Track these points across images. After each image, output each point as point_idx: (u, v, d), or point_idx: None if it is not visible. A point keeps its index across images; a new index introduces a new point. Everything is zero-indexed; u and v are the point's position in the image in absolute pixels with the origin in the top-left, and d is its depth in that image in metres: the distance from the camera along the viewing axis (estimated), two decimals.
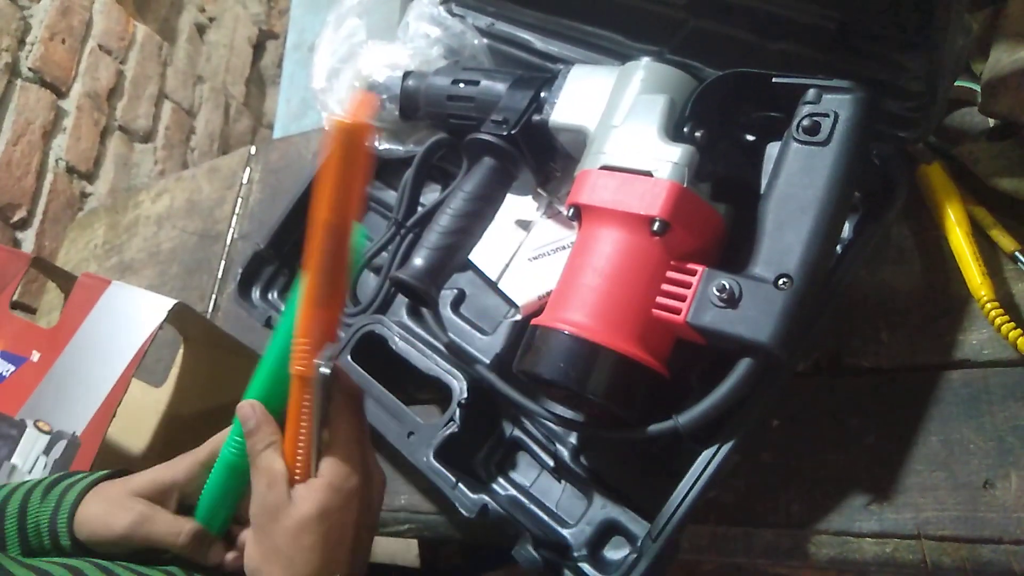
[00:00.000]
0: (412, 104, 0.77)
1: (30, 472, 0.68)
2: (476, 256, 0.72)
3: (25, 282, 1.28)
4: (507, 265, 0.71)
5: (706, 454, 0.53)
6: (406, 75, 0.77)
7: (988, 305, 0.55)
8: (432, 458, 0.64)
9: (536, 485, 0.65)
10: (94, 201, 1.48)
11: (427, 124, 0.79)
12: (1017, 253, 0.57)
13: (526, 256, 0.71)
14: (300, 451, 0.48)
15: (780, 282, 0.50)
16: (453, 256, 0.63)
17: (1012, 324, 0.54)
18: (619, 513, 0.60)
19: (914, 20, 0.51)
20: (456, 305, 0.74)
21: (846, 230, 0.60)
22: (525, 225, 0.73)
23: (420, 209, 0.78)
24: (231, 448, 0.51)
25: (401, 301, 0.76)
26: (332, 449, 0.48)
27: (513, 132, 0.64)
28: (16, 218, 1.32)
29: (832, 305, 0.56)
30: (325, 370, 0.47)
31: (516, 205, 0.73)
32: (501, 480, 0.66)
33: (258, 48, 2.12)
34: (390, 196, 0.83)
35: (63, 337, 0.72)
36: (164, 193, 1.19)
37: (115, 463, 0.60)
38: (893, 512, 0.55)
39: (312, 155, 1.01)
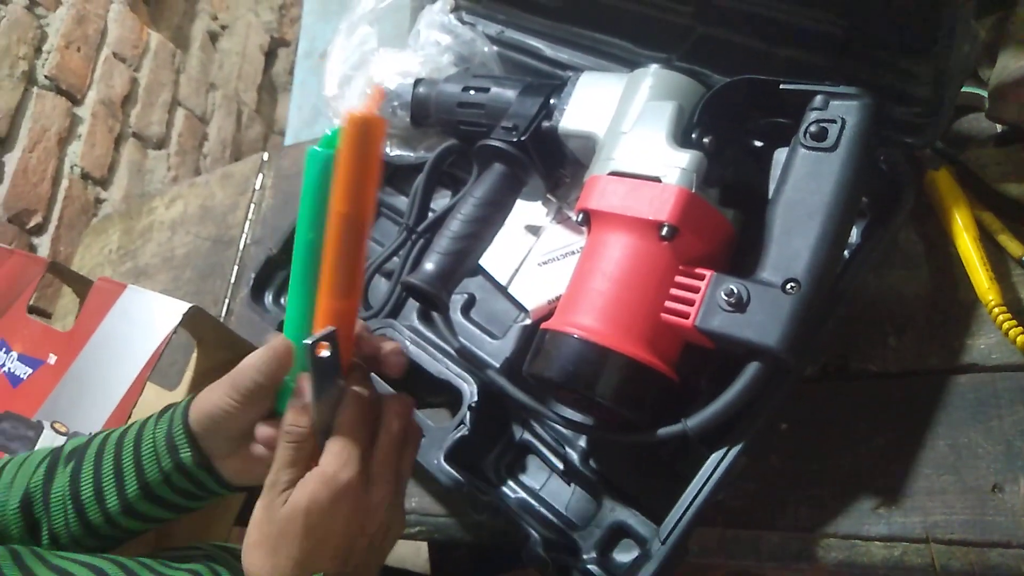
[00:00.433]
0: (423, 111, 0.77)
1: None
2: (486, 261, 0.73)
3: (41, 287, 1.29)
4: (517, 270, 0.72)
5: (714, 457, 0.54)
6: (417, 82, 0.78)
7: (996, 310, 0.55)
8: (443, 461, 0.64)
9: (546, 488, 0.66)
10: (108, 207, 1.50)
11: (438, 131, 0.80)
12: None
13: (536, 261, 0.72)
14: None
15: (788, 287, 0.51)
16: (464, 261, 0.64)
17: (1020, 328, 0.54)
18: (628, 516, 0.60)
19: (920, 27, 0.52)
20: (466, 309, 0.75)
21: (854, 235, 0.60)
22: (535, 230, 0.73)
23: (431, 215, 0.78)
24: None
25: (412, 305, 0.77)
26: (331, 441, 0.47)
27: (523, 138, 0.65)
28: (32, 224, 1.34)
29: (840, 310, 0.56)
30: (325, 352, 0.46)
31: (526, 210, 0.73)
32: (511, 483, 0.66)
33: (270, 56, 2.14)
34: (401, 202, 0.84)
35: (79, 340, 0.73)
36: (178, 199, 1.20)
37: None
38: (901, 516, 0.55)
39: None
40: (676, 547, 0.53)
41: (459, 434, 0.65)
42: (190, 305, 0.72)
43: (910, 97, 0.56)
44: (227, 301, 1.02)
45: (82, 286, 0.85)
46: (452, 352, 0.70)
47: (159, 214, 1.21)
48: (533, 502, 0.65)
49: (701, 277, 0.53)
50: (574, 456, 0.64)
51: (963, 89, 0.62)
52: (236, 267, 1.05)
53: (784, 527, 0.58)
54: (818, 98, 0.55)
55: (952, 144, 0.64)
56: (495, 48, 0.78)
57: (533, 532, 0.60)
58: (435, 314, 0.70)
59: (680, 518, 0.53)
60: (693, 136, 0.58)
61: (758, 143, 0.62)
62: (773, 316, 0.50)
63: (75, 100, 1.45)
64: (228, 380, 0.51)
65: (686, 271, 0.54)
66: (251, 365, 0.50)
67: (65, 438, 0.70)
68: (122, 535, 0.54)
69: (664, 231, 0.53)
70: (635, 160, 0.57)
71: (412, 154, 0.81)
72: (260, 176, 1.10)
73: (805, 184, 0.53)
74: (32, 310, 1.32)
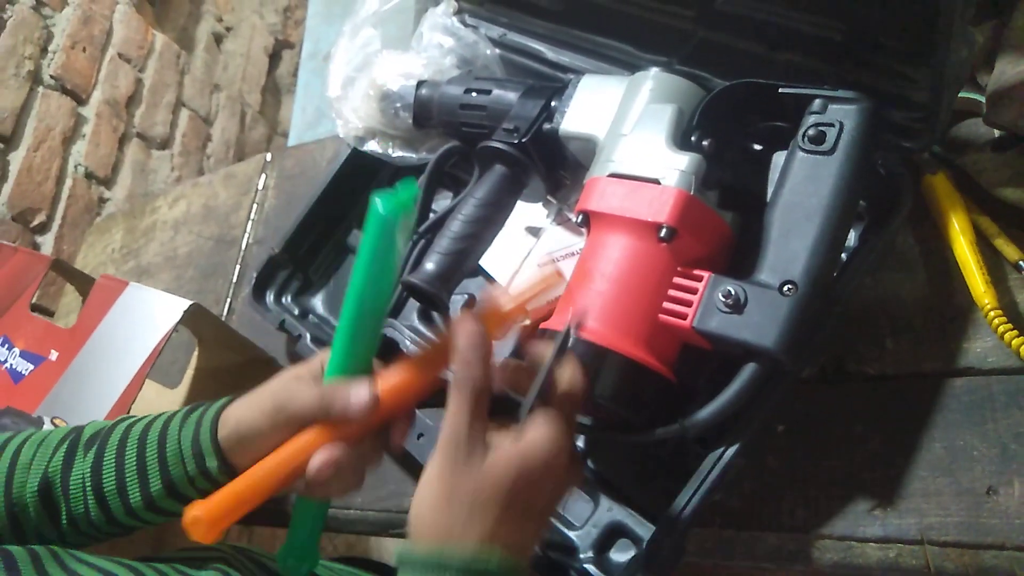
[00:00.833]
0: (425, 112, 0.78)
1: None
2: (486, 261, 0.73)
3: (44, 285, 1.30)
4: (517, 271, 0.73)
5: (711, 458, 0.54)
6: (420, 84, 0.78)
7: (992, 313, 0.56)
8: None
9: None
10: (112, 206, 1.51)
11: (440, 132, 0.81)
12: (1021, 262, 0.58)
13: (536, 262, 0.72)
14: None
15: (785, 289, 0.51)
16: (464, 261, 0.64)
17: (1015, 332, 0.55)
18: (625, 516, 0.61)
19: (918, 32, 0.52)
20: (467, 310, 0.75)
21: (852, 238, 0.61)
22: (535, 231, 0.74)
23: (432, 215, 0.79)
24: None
25: (412, 305, 0.77)
26: (547, 416, 0.44)
27: (524, 140, 0.66)
28: (36, 222, 1.34)
29: (837, 312, 0.56)
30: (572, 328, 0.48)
31: (526, 212, 0.74)
32: None
33: (274, 57, 2.14)
34: None
35: (81, 337, 0.74)
36: (181, 199, 1.21)
37: None
38: (897, 517, 0.56)
39: (326, 162, 1.02)
40: (673, 547, 0.53)
41: None
42: (191, 303, 0.72)
43: (908, 102, 0.56)
44: (229, 300, 1.03)
45: (85, 284, 0.86)
46: None
47: (162, 213, 1.22)
48: None
49: (699, 278, 0.54)
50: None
51: (961, 94, 0.62)
52: (238, 267, 1.05)
53: (780, 528, 0.59)
54: (817, 102, 0.55)
55: (950, 148, 0.64)
56: (497, 51, 0.79)
57: None
58: (435, 313, 0.71)
59: (677, 518, 0.53)
60: (692, 139, 0.58)
61: (757, 146, 0.63)
62: (770, 318, 0.50)
63: (80, 100, 1.46)
64: (268, 404, 0.49)
65: (684, 272, 0.55)
66: (300, 402, 0.48)
67: None
68: (143, 525, 0.54)
69: (663, 232, 0.54)
70: (635, 162, 0.58)
71: (414, 155, 0.82)
72: (263, 176, 1.11)
73: (803, 187, 0.54)
74: (35, 308, 1.33)
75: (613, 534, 0.61)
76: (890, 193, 0.59)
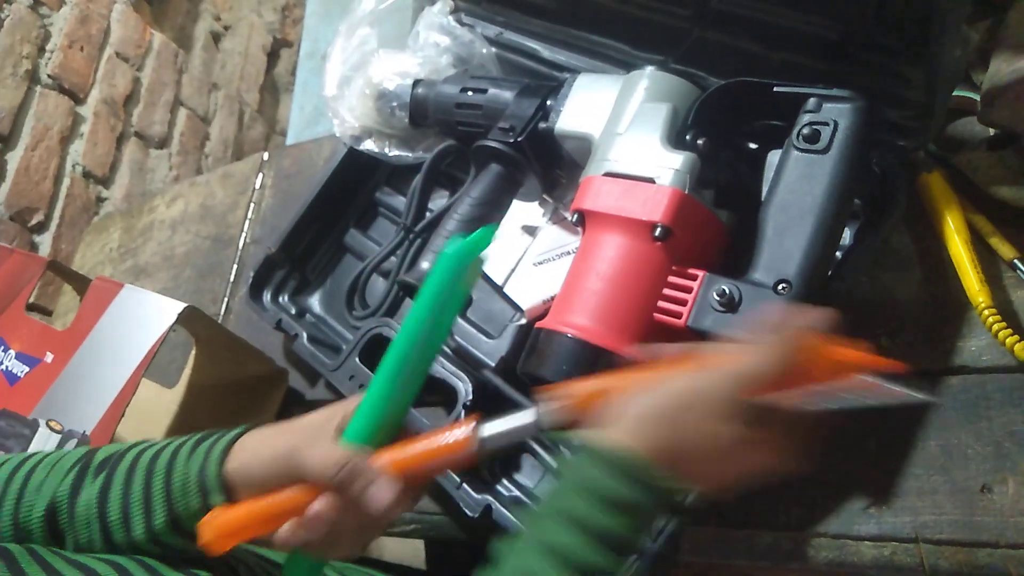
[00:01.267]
0: (421, 111, 0.78)
1: None
2: None
3: (42, 284, 1.30)
4: (513, 270, 0.73)
5: None
6: (416, 83, 0.78)
7: (986, 312, 0.56)
8: None
9: (540, 487, 0.66)
10: (110, 206, 1.50)
11: (436, 131, 0.81)
12: (1016, 261, 0.58)
13: (531, 261, 0.72)
14: None
15: (779, 288, 0.51)
16: None
17: (1010, 331, 0.55)
18: None
19: (912, 31, 0.52)
20: (463, 309, 0.75)
21: (846, 237, 0.61)
22: (531, 230, 0.74)
23: (428, 214, 0.79)
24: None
25: (409, 304, 0.77)
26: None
27: (519, 139, 0.66)
28: (34, 222, 1.34)
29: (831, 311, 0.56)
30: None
31: (522, 211, 0.74)
32: (505, 482, 0.67)
33: (272, 56, 2.14)
34: (399, 201, 0.85)
35: (76, 339, 0.74)
36: (178, 198, 1.21)
37: None
38: (891, 516, 0.56)
39: (323, 162, 1.02)
40: (667, 545, 0.53)
41: None
42: (185, 305, 0.72)
43: (903, 100, 0.57)
44: (226, 300, 1.03)
45: (81, 284, 0.86)
46: (448, 351, 0.70)
47: (160, 213, 1.22)
48: (527, 501, 0.65)
49: (694, 277, 0.54)
50: (568, 455, 0.64)
51: (956, 93, 0.62)
52: (235, 266, 1.05)
53: (775, 526, 0.59)
54: (811, 100, 0.55)
55: (945, 147, 0.64)
56: (493, 49, 0.79)
57: None
58: None
59: (671, 517, 0.53)
60: (687, 138, 0.58)
61: (752, 145, 0.63)
62: None
63: (77, 99, 1.46)
64: (281, 452, 0.47)
65: (679, 271, 0.55)
66: (315, 464, 0.45)
67: (59, 436, 0.70)
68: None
69: (657, 232, 0.54)
70: (630, 161, 0.58)
71: (411, 154, 0.82)
72: (260, 176, 1.11)
73: (798, 186, 0.54)
74: (33, 307, 1.33)
75: None
76: (885, 192, 0.59)
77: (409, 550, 1.13)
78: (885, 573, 0.55)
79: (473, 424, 0.45)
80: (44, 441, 0.70)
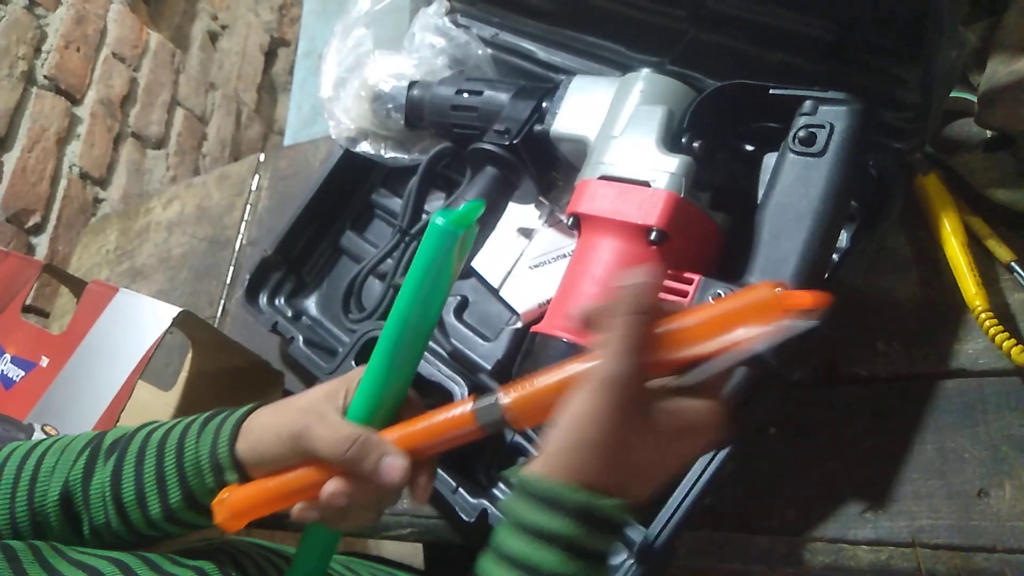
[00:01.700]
0: (417, 113, 0.78)
1: None
2: (479, 263, 0.73)
3: (39, 286, 1.30)
4: (509, 273, 0.72)
5: (702, 461, 0.54)
6: (411, 85, 0.78)
7: (983, 315, 0.56)
8: None
9: None
10: (107, 207, 1.50)
11: (432, 133, 0.81)
12: (1013, 263, 0.57)
13: (527, 264, 0.72)
14: None
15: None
16: None
17: (1006, 334, 0.55)
18: None
19: (909, 32, 0.52)
20: (459, 312, 0.75)
21: (843, 239, 0.61)
22: (527, 233, 0.74)
23: (424, 217, 0.79)
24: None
25: None
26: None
27: (515, 142, 0.65)
28: (31, 223, 1.34)
29: (828, 314, 0.56)
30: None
31: (518, 213, 0.74)
32: (501, 485, 0.66)
33: (270, 56, 2.14)
34: (395, 203, 0.85)
35: (71, 343, 0.74)
36: (175, 199, 1.21)
37: None
38: (888, 520, 0.55)
39: (320, 163, 1.02)
40: (664, 550, 0.53)
41: None
42: (180, 309, 0.72)
43: (899, 102, 0.56)
44: (223, 302, 1.03)
45: (78, 287, 0.85)
46: (444, 354, 0.70)
47: (156, 214, 1.21)
48: None
49: (689, 281, 0.54)
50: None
51: (952, 94, 0.62)
52: (232, 268, 1.05)
53: (772, 530, 0.59)
54: (807, 103, 0.55)
55: (941, 149, 0.64)
56: (489, 51, 0.79)
57: None
58: None
59: (668, 521, 0.53)
60: (683, 141, 0.58)
61: (748, 147, 0.62)
62: None
63: (74, 100, 1.46)
64: (287, 431, 0.47)
65: (675, 275, 0.54)
66: (323, 442, 0.46)
67: None
68: (166, 536, 0.52)
69: (653, 235, 0.54)
70: (625, 164, 0.58)
71: (406, 156, 0.81)
72: (256, 177, 1.11)
73: (794, 189, 0.54)
74: (30, 309, 1.32)
75: None
76: (881, 194, 0.59)
77: (409, 549, 1.13)
78: None
79: (471, 402, 0.45)
80: None
